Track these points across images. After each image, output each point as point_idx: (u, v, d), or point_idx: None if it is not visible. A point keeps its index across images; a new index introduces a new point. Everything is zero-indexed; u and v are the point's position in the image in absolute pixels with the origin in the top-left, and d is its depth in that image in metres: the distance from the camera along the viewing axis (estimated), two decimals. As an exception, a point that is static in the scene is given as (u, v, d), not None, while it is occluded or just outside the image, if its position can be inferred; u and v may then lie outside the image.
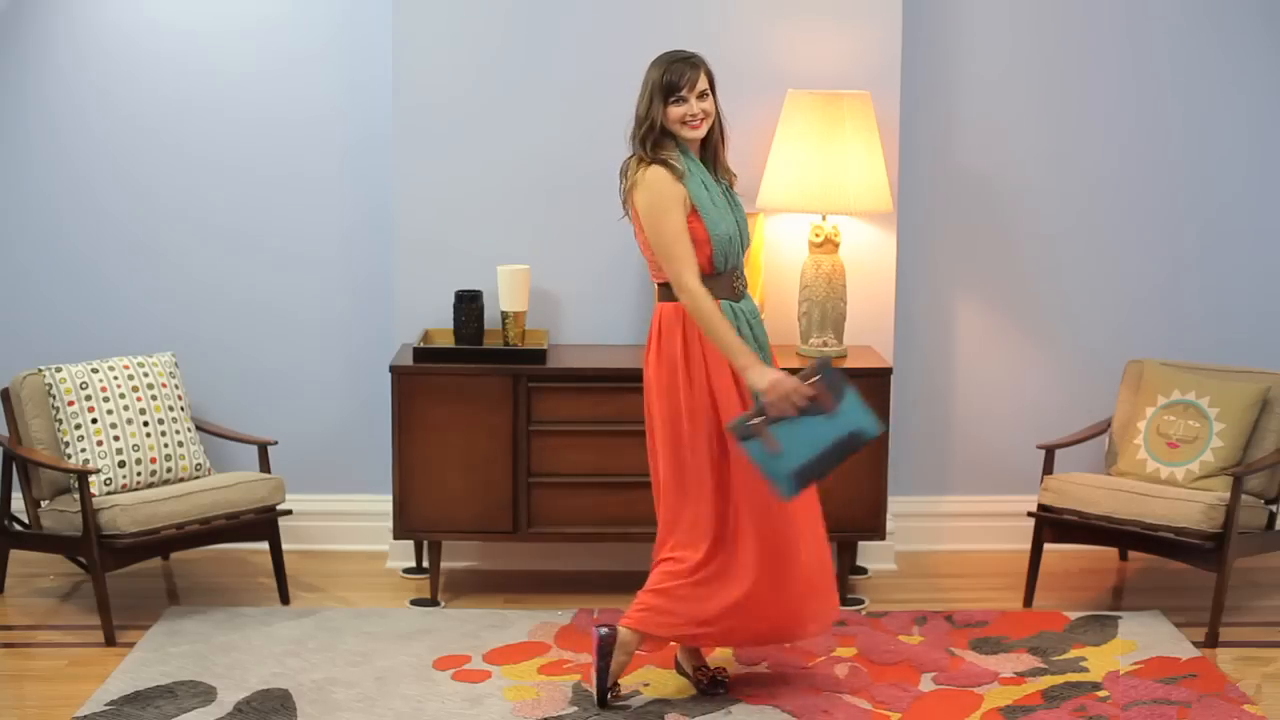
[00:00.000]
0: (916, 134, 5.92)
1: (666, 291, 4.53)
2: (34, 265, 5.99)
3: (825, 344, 5.57)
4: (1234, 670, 4.96)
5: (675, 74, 4.46)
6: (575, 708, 4.60)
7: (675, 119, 4.47)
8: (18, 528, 5.43)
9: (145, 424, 5.39)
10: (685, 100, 4.46)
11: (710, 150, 4.59)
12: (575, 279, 5.80)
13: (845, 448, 4.43)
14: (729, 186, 4.62)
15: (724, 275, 4.51)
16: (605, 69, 5.73)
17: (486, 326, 5.62)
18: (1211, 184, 6.08)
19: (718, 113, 4.56)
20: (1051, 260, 6.06)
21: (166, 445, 5.41)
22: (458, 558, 5.86)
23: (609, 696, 4.60)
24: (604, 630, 4.55)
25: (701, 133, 4.51)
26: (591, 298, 5.79)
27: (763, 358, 4.50)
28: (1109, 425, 5.75)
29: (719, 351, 4.45)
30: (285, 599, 5.49)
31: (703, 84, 4.48)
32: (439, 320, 5.72)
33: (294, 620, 5.27)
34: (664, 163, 4.47)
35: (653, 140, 4.49)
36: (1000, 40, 5.97)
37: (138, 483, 5.32)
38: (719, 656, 4.89)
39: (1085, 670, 4.90)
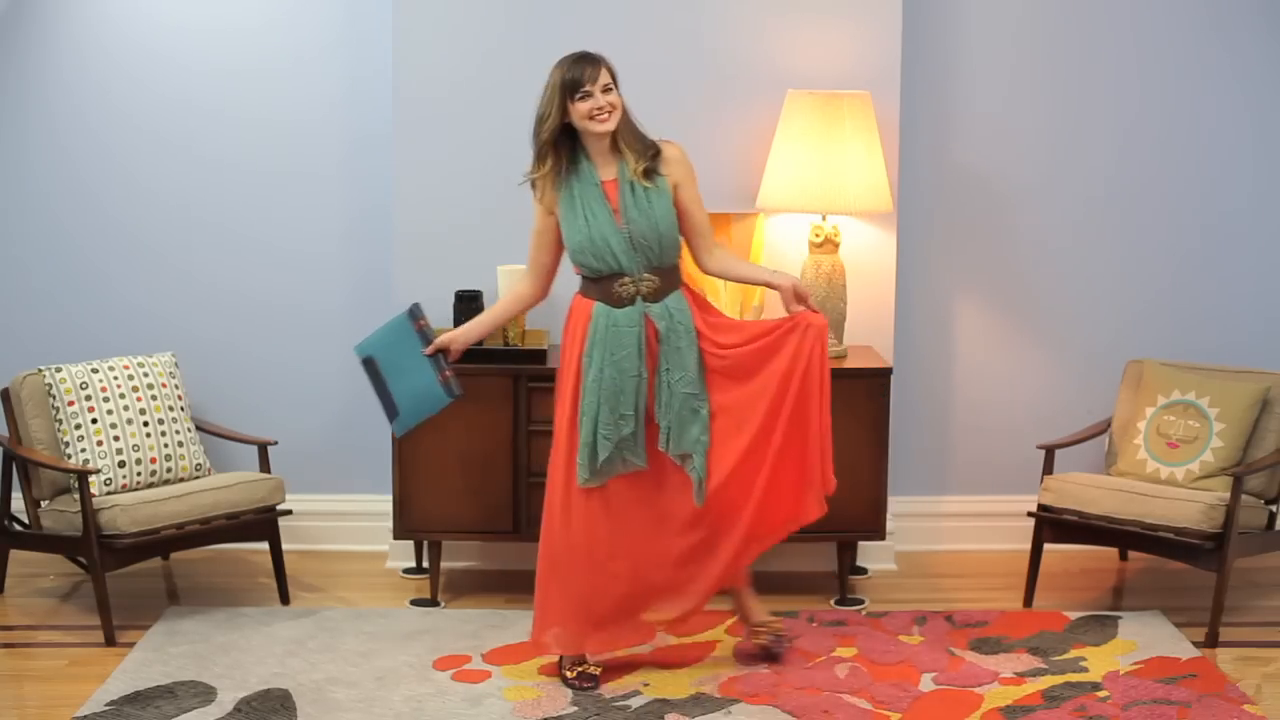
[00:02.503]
0: (916, 134, 5.92)
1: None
2: (34, 265, 5.99)
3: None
4: (1234, 670, 4.96)
5: (577, 71, 4.55)
6: (575, 708, 4.60)
7: (584, 114, 4.55)
8: (18, 528, 5.43)
9: (145, 424, 5.39)
10: (590, 95, 4.53)
11: (617, 144, 4.61)
12: (575, 279, 5.78)
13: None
14: (637, 179, 4.58)
15: (604, 280, 4.62)
16: (605, 69, 5.72)
17: (486, 326, 5.62)
18: (1212, 184, 6.08)
19: (625, 109, 4.61)
20: (1051, 260, 6.06)
21: (166, 445, 5.41)
22: (458, 558, 5.86)
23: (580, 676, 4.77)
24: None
25: (610, 126, 4.56)
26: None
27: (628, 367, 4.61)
28: (1109, 425, 5.75)
29: (573, 346, 4.69)
30: (285, 599, 5.49)
31: (605, 79, 4.55)
32: (439, 320, 5.71)
33: (294, 620, 5.27)
34: (531, 184, 4.68)
35: (546, 140, 4.59)
36: (1000, 40, 5.97)
37: (138, 483, 5.32)
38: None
39: (1085, 670, 4.90)
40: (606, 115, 4.55)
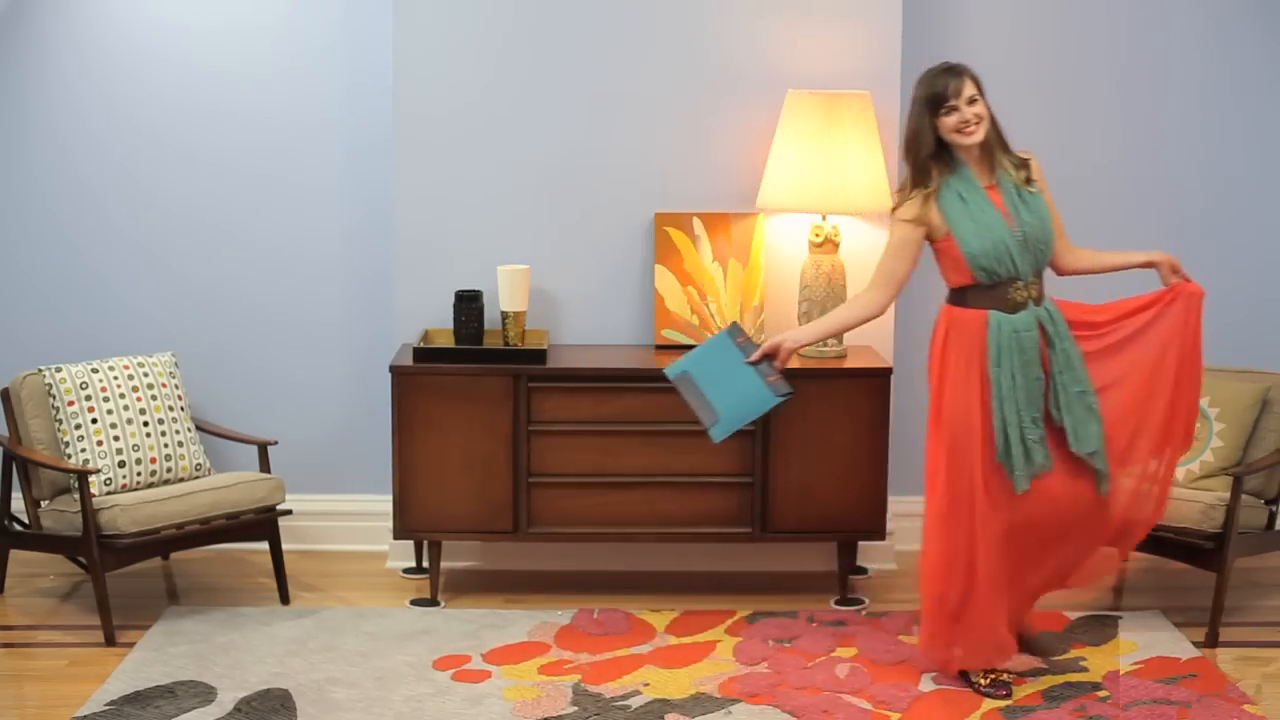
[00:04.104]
0: (916, 134, 5.92)
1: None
2: (34, 266, 5.99)
3: (825, 344, 5.57)
4: (1234, 670, 4.96)
5: (940, 85, 4.58)
6: (575, 708, 4.60)
7: (950, 129, 4.58)
8: (18, 528, 5.43)
9: (145, 424, 5.39)
10: (956, 109, 4.56)
11: (988, 153, 4.64)
12: (575, 279, 5.80)
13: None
14: (1021, 185, 4.65)
15: (998, 286, 4.63)
16: (605, 70, 5.73)
17: (486, 326, 5.63)
18: (1211, 184, 6.08)
19: (992, 116, 4.64)
20: (1051, 260, 6.06)
21: (166, 445, 5.41)
22: (458, 558, 5.86)
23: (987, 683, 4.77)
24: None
25: (978, 137, 4.59)
26: (591, 298, 5.79)
27: (1069, 375, 4.65)
28: (1109, 425, 5.75)
29: (966, 358, 4.68)
30: (285, 599, 5.49)
31: (969, 90, 4.58)
32: (439, 320, 5.72)
33: (294, 620, 5.27)
34: (906, 197, 4.65)
35: (925, 156, 4.60)
36: (1000, 40, 5.96)
37: (138, 483, 5.32)
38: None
39: (1085, 670, 4.90)
40: (974, 128, 4.57)
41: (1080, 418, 4.66)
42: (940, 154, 4.64)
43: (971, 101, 4.58)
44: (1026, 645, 4.92)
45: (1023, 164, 4.70)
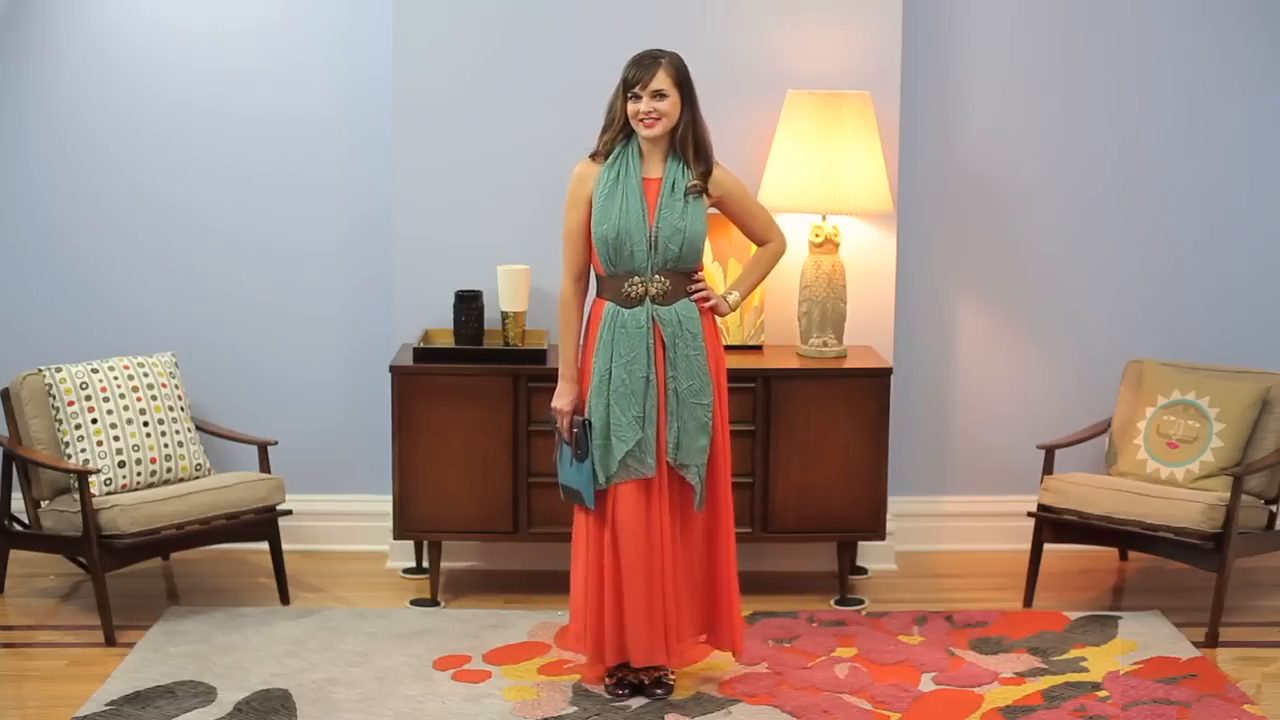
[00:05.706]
0: (916, 134, 5.92)
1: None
2: (34, 265, 5.99)
3: (825, 344, 5.58)
4: (1234, 670, 4.96)
5: (634, 69, 4.48)
6: (575, 708, 4.60)
7: (631, 114, 4.49)
8: (18, 528, 5.43)
9: (145, 424, 5.39)
10: (639, 97, 4.47)
11: (677, 151, 4.52)
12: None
13: (569, 492, 4.63)
14: (691, 189, 4.50)
15: (615, 278, 4.52)
16: (605, 68, 5.69)
17: (486, 326, 5.63)
18: (1212, 184, 6.08)
19: (694, 117, 4.51)
20: (1052, 260, 6.06)
21: (166, 445, 5.41)
22: (458, 558, 5.86)
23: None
24: None
25: (655, 132, 4.48)
26: (591, 298, 5.78)
27: (680, 370, 4.51)
28: (1109, 425, 5.75)
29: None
30: (285, 599, 5.49)
31: (660, 84, 4.44)
32: (439, 320, 5.72)
33: (294, 620, 5.27)
34: (591, 155, 4.56)
35: (615, 133, 4.53)
36: (1000, 40, 5.97)
37: (138, 483, 5.32)
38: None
39: (1085, 670, 4.90)
40: (652, 122, 4.46)
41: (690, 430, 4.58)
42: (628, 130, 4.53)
43: (657, 96, 4.44)
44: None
45: (706, 172, 4.54)
